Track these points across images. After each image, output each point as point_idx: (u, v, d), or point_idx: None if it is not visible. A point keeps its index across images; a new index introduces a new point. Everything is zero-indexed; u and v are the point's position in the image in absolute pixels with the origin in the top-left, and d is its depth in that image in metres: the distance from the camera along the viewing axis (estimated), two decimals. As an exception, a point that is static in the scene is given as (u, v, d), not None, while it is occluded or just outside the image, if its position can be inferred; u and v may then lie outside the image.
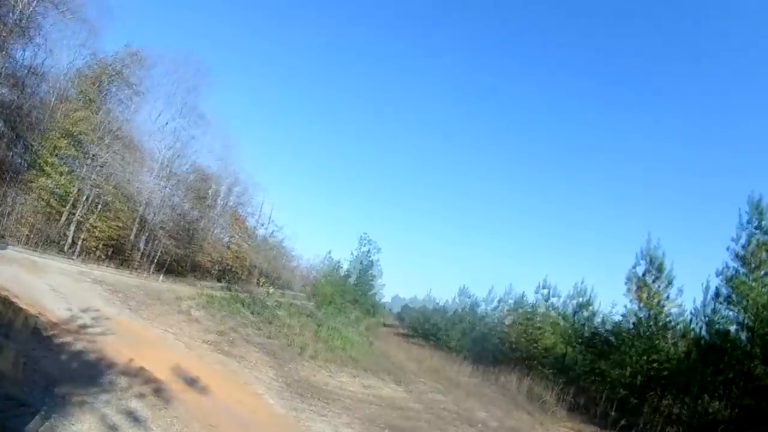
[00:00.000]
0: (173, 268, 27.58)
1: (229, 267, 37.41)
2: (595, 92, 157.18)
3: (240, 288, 28.15)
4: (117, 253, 24.03)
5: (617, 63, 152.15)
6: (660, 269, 22.71)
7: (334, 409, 8.97)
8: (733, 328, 18.59)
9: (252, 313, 18.50)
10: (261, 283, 37.48)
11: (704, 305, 19.98)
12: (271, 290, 33.95)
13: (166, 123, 27.56)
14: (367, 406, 10.01)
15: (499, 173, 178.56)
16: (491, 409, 14.32)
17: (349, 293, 44.44)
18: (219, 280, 31.29)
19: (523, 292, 37.43)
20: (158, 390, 6.78)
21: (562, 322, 31.27)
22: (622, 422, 15.84)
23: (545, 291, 34.00)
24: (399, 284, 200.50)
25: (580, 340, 27.46)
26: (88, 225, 21.54)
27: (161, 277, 23.51)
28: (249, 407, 7.42)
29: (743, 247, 17.95)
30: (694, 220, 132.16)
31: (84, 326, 9.09)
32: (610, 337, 24.30)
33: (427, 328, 43.15)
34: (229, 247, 37.74)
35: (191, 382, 7.76)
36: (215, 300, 18.96)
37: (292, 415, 7.68)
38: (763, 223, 17.69)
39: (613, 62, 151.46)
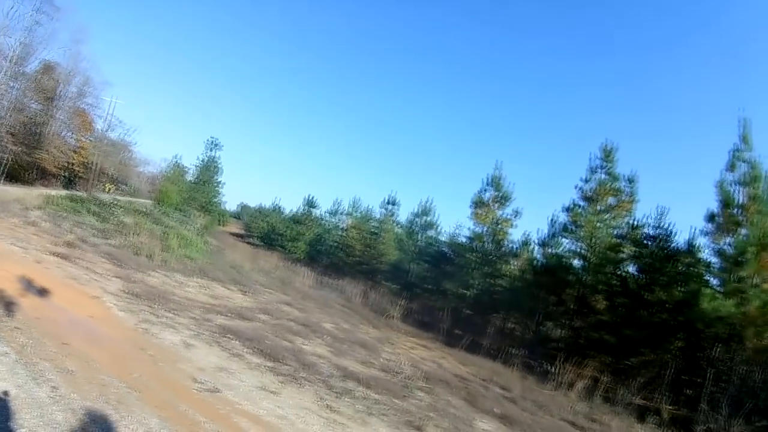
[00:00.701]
0: (19, 175, 25.04)
1: (77, 173, 34.78)
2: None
3: (88, 195, 26.05)
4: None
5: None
6: (505, 197, 23.92)
7: (182, 320, 8.53)
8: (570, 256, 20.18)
9: (99, 221, 17.56)
10: (109, 190, 34.42)
11: (548, 236, 21.34)
12: (120, 197, 31.97)
13: (14, 9, 24.03)
14: (215, 316, 9.57)
15: (358, 93, 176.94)
16: (338, 321, 14.17)
17: (195, 199, 42.10)
18: (66, 187, 29.07)
19: (370, 206, 37.76)
20: (6, 305, 6.38)
21: (406, 239, 32.02)
22: (466, 340, 16.41)
23: (391, 207, 34.53)
24: (246, 192, 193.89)
25: (425, 258, 28.23)
26: None
27: (7, 186, 20.97)
28: (99, 321, 7.07)
29: (591, 188, 19.10)
30: (545, 159, 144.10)
31: None
32: (455, 258, 25.18)
33: (273, 238, 42.24)
34: (77, 152, 34.85)
35: (39, 295, 7.43)
36: (63, 208, 18.18)
37: (141, 327, 7.35)
38: (609, 165, 18.91)
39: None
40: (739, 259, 11.77)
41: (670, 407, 11.15)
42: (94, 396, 4.49)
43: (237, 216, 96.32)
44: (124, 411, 4.36)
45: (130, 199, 33.66)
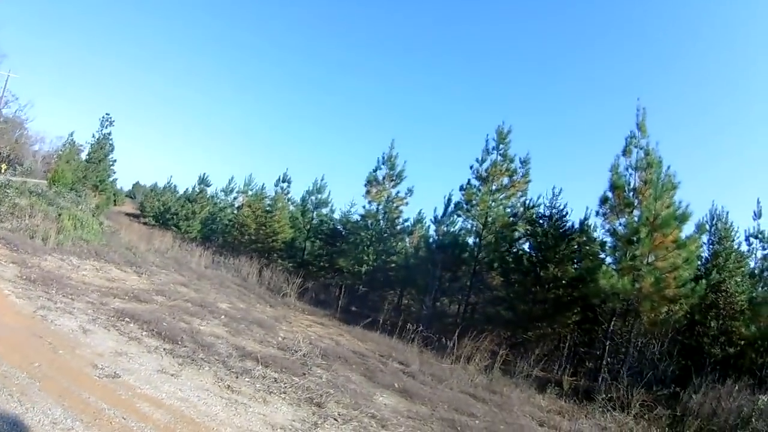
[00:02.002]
0: None
1: None
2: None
3: None
4: None
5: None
6: (399, 176, 23.98)
7: (79, 304, 8.12)
8: (465, 234, 20.49)
9: None
10: (2, 170, 30.51)
11: (444, 215, 21.53)
12: (14, 177, 29.22)
13: None
14: (111, 299, 9.10)
15: (253, 66, 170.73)
16: (234, 300, 13.71)
17: (89, 179, 39.68)
18: None
19: (263, 184, 36.74)
20: None
21: (300, 217, 31.38)
22: (362, 317, 16.10)
23: (285, 185, 33.62)
24: (140, 170, 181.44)
25: (320, 236, 27.69)
26: None
27: None
28: None
29: (486, 168, 19.37)
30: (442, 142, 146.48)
31: None
32: (349, 235, 24.88)
33: (167, 217, 40.17)
34: None
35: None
36: None
37: (39, 314, 7.02)
38: (503, 147, 19.29)
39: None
40: (633, 238, 12.27)
41: (571, 378, 11.39)
42: None
43: (131, 195, 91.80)
44: (28, 403, 4.21)
45: (25, 179, 30.49)
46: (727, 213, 17.13)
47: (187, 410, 5.06)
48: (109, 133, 44.53)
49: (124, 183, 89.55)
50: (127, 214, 48.16)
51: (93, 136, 44.01)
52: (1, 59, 32.65)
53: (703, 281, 11.96)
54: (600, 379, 11.65)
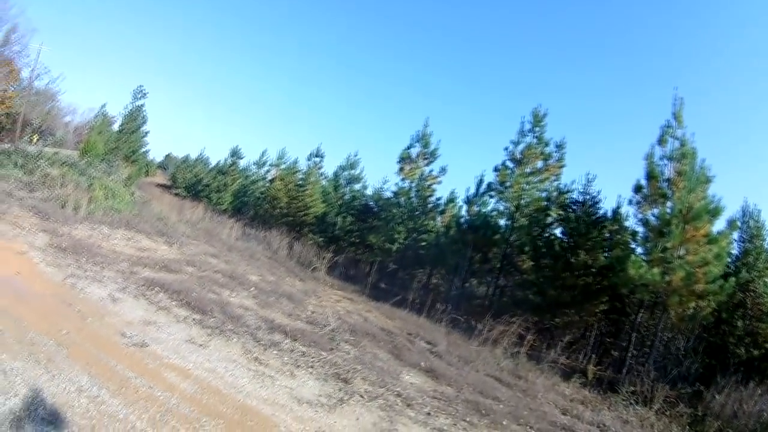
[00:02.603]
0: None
1: (2, 125, 32.95)
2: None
3: (13, 147, 24.50)
4: None
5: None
6: (433, 154, 23.99)
7: (109, 273, 8.23)
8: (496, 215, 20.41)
9: (25, 173, 16.70)
10: (34, 141, 31.81)
11: (476, 195, 21.44)
12: (46, 148, 29.66)
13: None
14: (141, 269, 9.21)
15: (288, 44, 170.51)
16: (264, 273, 13.88)
17: (120, 149, 40.49)
18: None
19: (296, 158, 36.96)
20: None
21: (333, 192, 31.55)
22: (391, 294, 16.27)
23: (318, 159, 33.82)
24: (173, 142, 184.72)
25: (351, 212, 27.87)
26: None
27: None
28: (26, 277, 6.86)
29: (521, 150, 19.21)
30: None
31: None
32: (380, 212, 24.99)
33: (199, 189, 40.72)
34: (2, 103, 32.24)
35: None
36: None
37: (69, 282, 7.12)
38: (539, 130, 19.06)
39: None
40: (664, 230, 12.07)
41: (595, 368, 11.41)
42: (24, 356, 4.36)
43: (163, 166, 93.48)
44: (55, 370, 4.26)
45: (56, 150, 31.36)
46: (760, 211, 16.61)
47: (214, 381, 5.14)
48: (142, 105, 45.43)
49: (156, 154, 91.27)
50: (159, 185, 48.90)
51: (125, 108, 45.09)
52: (33, 33, 33.41)
53: (732, 279, 11.74)
54: (624, 371, 11.65)
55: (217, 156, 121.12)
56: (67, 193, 14.76)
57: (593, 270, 14.39)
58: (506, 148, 19.71)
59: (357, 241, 25.67)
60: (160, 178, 65.76)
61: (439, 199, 24.43)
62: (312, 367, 6.54)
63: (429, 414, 6.14)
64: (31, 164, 18.49)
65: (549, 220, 17.48)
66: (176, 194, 42.34)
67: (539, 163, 19.18)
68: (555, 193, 18.34)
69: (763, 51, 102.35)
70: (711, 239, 11.68)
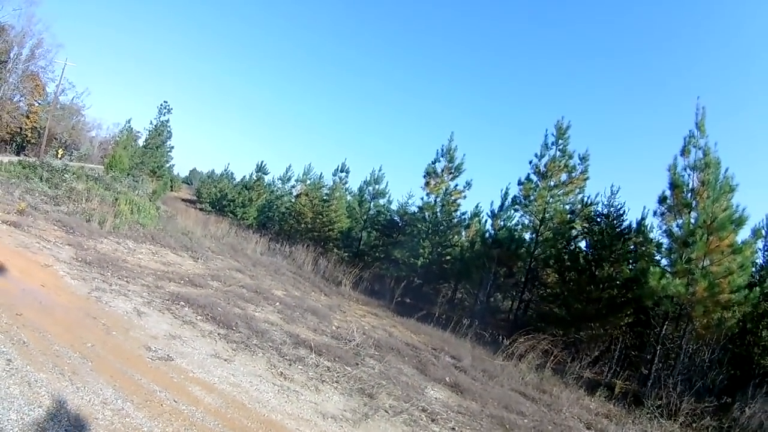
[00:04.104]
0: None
1: (28, 139, 33.59)
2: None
3: (39, 161, 24.86)
4: None
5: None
6: (458, 169, 24.09)
7: (134, 287, 8.35)
8: (521, 229, 20.44)
9: (51, 187, 17.04)
10: (60, 155, 32.92)
11: (500, 209, 21.52)
12: (71, 162, 30.29)
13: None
14: (166, 283, 9.35)
15: (313, 60, 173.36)
16: (288, 288, 14.04)
17: (146, 164, 41.29)
18: (17, 153, 26.51)
19: (321, 173, 37.34)
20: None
21: (357, 207, 31.78)
22: (416, 309, 16.37)
23: (343, 174, 34.14)
24: (197, 158, 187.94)
25: (376, 227, 28.06)
26: None
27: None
28: (51, 290, 6.90)
29: (545, 164, 19.27)
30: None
31: None
32: (406, 227, 25.13)
33: (224, 204, 41.25)
34: (28, 117, 33.30)
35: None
36: (14, 175, 17.76)
37: (94, 295, 7.17)
38: (562, 143, 19.10)
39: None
40: (688, 240, 12.02)
41: (620, 382, 11.35)
42: (49, 368, 4.38)
43: (188, 181, 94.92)
44: (79, 382, 4.27)
45: (82, 164, 32.11)
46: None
47: (239, 395, 5.14)
48: (167, 120, 46.20)
49: (181, 169, 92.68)
50: (184, 200, 49.11)
51: (151, 123, 45.93)
52: (59, 49, 34.37)
53: (757, 289, 11.63)
54: (649, 384, 11.57)
55: (243, 171, 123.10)
56: (93, 207, 14.99)
57: (618, 282, 14.35)
58: (530, 162, 19.84)
59: (382, 256, 25.85)
60: (185, 193, 66.45)
61: (464, 213, 24.62)
62: (337, 382, 6.58)
63: (453, 429, 6.20)
64: (56, 178, 18.87)
65: (573, 233, 17.47)
66: (201, 209, 42.75)
67: (563, 176, 19.25)
68: (579, 206, 18.34)
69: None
70: (735, 249, 11.60)
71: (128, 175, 32.05)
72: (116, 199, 18.22)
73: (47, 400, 3.82)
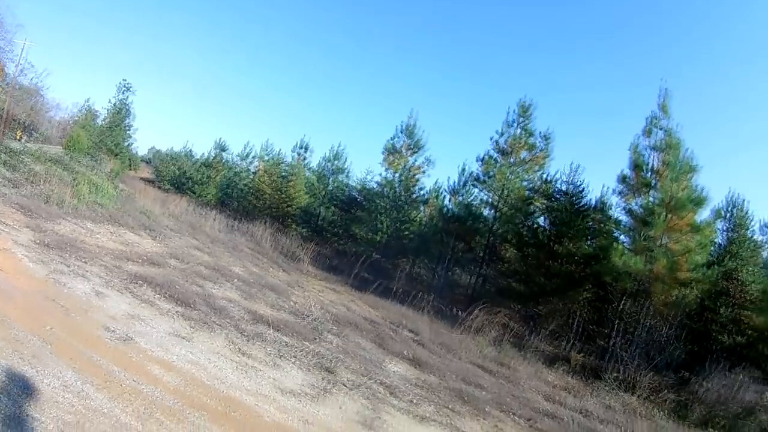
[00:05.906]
0: None
1: None
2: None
3: None
4: None
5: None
6: (418, 145, 23.83)
7: (93, 268, 8.19)
8: (481, 205, 20.46)
9: (9, 170, 16.36)
10: (19, 138, 31.70)
11: (459, 185, 21.46)
12: (31, 144, 29.08)
13: None
14: (125, 263, 9.14)
15: (270, 35, 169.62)
16: (247, 265, 13.84)
17: (105, 144, 39.43)
18: None
19: (280, 150, 36.65)
20: None
21: (316, 183, 31.35)
22: (375, 284, 16.25)
23: (302, 151, 33.58)
24: (158, 137, 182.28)
25: (336, 203, 27.73)
26: None
27: None
28: (10, 274, 6.78)
29: (506, 141, 19.21)
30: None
31: None
32: (365, 203, 24.86)
33: (183, 182, 40.19)
34: None
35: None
36: None
37: (52, 277, 7.06)
38: (525, 121, 19.07)
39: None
40: (648, 219, 12.19)
41: (579, 355, 11.46)
42: (9, 352, 4.30)
43: (148, 161, 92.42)
44: (40, 366, 4.23)
45: (41, 146, 30.76)
46: (744, 201, 16.70)
47: (198, 373, 5.12)
48: (126, 98, 44.59)
49: (141, 149, 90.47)
50: (143, 179, 48.02)
51: (110, 102, 44.16)
52: (18, 29, 32.66)
53: (716, 267, 11.93)
54: (608, 358, 11.73)
55: (202, 149, 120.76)
56: (51, 189, 14.55)
57: (577, 258, 14.46)
58: (491, 138, 19.71)
59: (341, 232, 25.57)
60: (145, 172, 64.81)
61: (423, 188, 24.36)
62: (296, 357, 6.51)
63: (412, 402, 6.11)
64: (15, 160, 18.09)
65: (533, 209, 17.50)
66: (160, 188, 41.40)
67: (524, 154, 19.21)
68: (540, 183, 18.36)
69: (751, 44, 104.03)
70: (695, 228, 11.79)
71: (87, 154, 30.81)
72: (75, 180, 17.64)
73: (10, 387, 3.74)
